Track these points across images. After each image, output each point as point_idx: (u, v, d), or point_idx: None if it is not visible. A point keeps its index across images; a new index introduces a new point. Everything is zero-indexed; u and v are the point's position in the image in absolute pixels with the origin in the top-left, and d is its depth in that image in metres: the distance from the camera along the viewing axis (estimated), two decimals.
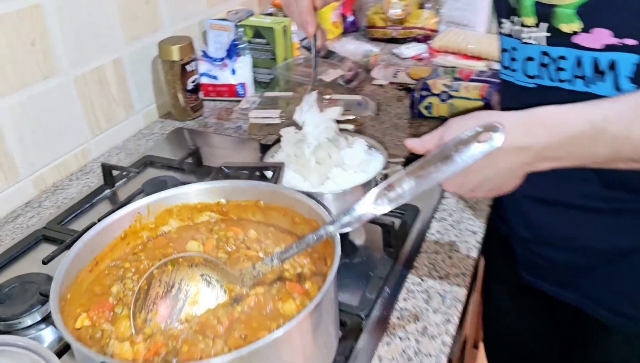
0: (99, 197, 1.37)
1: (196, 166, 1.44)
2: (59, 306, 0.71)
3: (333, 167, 1.09)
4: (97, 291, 0.82)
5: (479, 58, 1.96)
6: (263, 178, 1.04)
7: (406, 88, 1.84)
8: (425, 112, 1.64)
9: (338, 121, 1.56)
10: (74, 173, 1.51)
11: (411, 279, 1.05)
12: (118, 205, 1.18)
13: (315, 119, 1.15)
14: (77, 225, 1.25)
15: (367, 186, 1.08)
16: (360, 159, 1.12)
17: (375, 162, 1.14)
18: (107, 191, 1.40)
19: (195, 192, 0.94)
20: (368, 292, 1.01)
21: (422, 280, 1.05)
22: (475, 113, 0.81)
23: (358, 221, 0.77)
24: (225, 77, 1.81)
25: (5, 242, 1.25)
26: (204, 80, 1.81)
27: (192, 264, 0.82)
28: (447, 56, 2.01)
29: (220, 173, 0.99)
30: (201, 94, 1.75)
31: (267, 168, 1.00)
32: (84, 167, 1.53)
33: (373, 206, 0.77)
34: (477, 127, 0.75)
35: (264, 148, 1.45)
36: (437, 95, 1.61)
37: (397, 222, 1.18)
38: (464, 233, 1.18)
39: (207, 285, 0.81)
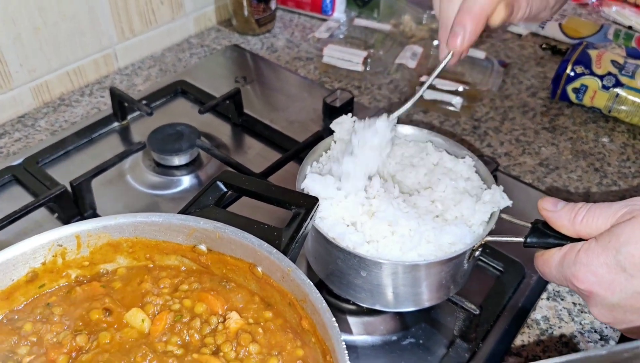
0: (102, 131, 1.04)
1: (235, 113, 1.06)
2: None
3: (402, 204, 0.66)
4: None
5: None
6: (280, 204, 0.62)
7: (554, 48, 1.29)
8: (572, 96, 1.12)
9: (442, 90, 1.10)
10: (89, 84, 1.18)
11: None
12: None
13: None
14: (58, 172, 0.94)
15: (456, 259, 0.65)
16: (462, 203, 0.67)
17: (479, 212, 0.68)
18: (116, 125, 1.06)
19: (156, 227, 0.57)
20: None
21: None
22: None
23: None
24: None
25: None
26: None
27: None
28: (625, 7, 1.40)
29: (214, 193, 0.60)
30: (274, 3, 1.32)
31: (287, 203, 0.59)
32: (104, 79, 1.19)
33: None
34: None
35: (329, 111, 1.04)
36: (600, 77, 1.08)
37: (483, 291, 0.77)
38: (587, 330, 0.75)
39: None
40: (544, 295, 0.79)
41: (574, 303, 0.79)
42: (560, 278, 0.59)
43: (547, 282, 0.81)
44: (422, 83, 1.11)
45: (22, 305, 0.56)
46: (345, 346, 0.45)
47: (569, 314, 0.78)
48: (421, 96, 1.10)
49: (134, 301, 0.57)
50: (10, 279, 0.54)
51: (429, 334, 0.75)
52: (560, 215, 0.60)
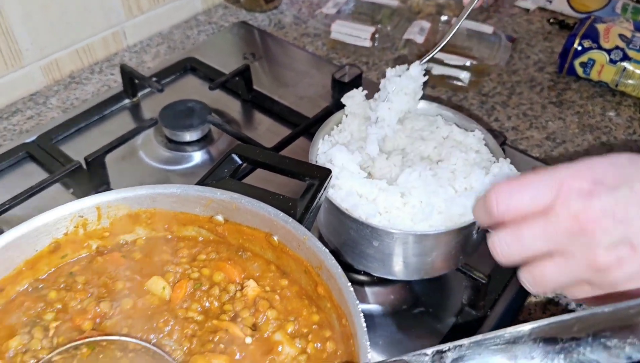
0: (113, 109, 1.05)
1: (244, 89, 1.07)
2: None
3: (417, 177, 0.67)
4: None
5: None
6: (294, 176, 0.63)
7: (561, 23, 1.29)
8: (579, 70, 1.13)
9: (450, 65, 1.10)
10: (99, 62, 1.18)
11: None
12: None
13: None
14: (71, 149, 0.96)
15: (465, 229, 0.66)
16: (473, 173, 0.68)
17: (488, 185, 0.68)
18: (127, 102, 1.07)
19: (174, 198, 0.59)
20: None
21: None
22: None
23: None
24: None
25: None
26: None
27: (125, 349, 0.49)
28: None
29: (229, 166, 0.61)
30: None
31: (301, 175, 0.61)
32: (113, 56, 1.20)
33: None
34: None
35: (338, 87, 1.04)
36: (607, 51, 1.09)
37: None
38: None
39: None
40: None
41: None
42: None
43: None
44: (431, 58, 1.12)
45: (47, 275, 0.58)
46: (360, 309, 0.47)
47: None
48: (429, 71, 1.11)
49: (154, 271, 0.59)
50: (34, 249, 0.56)
51: (438, 303, 0.77)
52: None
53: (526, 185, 0.48)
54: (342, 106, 0.78)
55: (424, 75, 0.76)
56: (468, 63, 1.08)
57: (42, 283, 0.58)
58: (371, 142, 0.70)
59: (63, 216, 0.56)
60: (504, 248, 0.49)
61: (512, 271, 0.79)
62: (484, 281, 0.72)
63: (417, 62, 0.76)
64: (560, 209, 0.45)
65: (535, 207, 0.47)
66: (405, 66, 0.76)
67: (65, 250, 0.59)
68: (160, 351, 0.50)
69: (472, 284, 0.73)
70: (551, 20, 1.30)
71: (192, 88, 1.11)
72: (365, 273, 0.76)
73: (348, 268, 0.73)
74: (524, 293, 0.77)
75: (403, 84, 0.74)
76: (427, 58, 0.78)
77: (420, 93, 0.76)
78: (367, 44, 1.16)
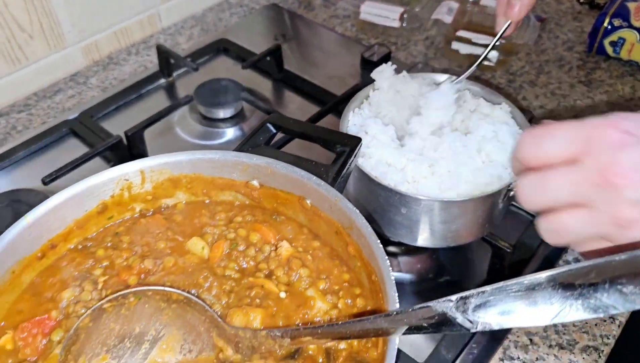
0: (149, 88, 1.09)
1: (275, 69, 1.10)
2: None
3: (446, 148, 0.69)
4: (43, 292, 0.57)
5: None
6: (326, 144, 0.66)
7: (592, 3, 1.29)
8: (609, 50, 1.12)
9: (478, 44, 1.11)
10: (135, 43, 1.23)
11: (513, 339, 0.70)
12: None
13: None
14: (110, 125, 1.00)
15: (492, 198, 0.68)
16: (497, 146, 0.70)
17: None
18: (162, 81, 1.11)
19: (213, 164, 0.62)
20: (444, 348, 0.68)
21: (530, 343, 0.70)
22: None
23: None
24: None
25: (34, 125, 1.04)
26: None
27: (169, 300, 0.53)
28: None
29: (264, 134, 0.65)
30: None
31: (333, 142, 0.64)
32: (149, 38, 1.24)
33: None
34: None
35: (367, 65, 1.07)
36: (638, 29, 1.08)
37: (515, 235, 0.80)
38: None
39: (186, 333, 0.53)
40: None
41: None
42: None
43: None
44: (459, 38, 1.13)
45: (94, 234, 0.62)
46: (389, 264, 0.50)
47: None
48: (457, 50, 1.13)
49: (194, 232, 0.63)
50: (83, 209, 0.60)
51: (463, 272, 0.79)
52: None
53: (556, 133, 0.46)
54: (372, 82, 0.81)
55: (455, 92, 0.78)
56: (497, 41, 1.09)
57: (90, 241, 0.62)
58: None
59: (110, 178, 0.60)
60: (529, 192, 0.48)
61: (538, 242, 0.81)
62: (508, 250, 0.74)
63: (449, 80, 0.79)
64: (588, 160, 0.44)
65: (564, 155, 0.45)
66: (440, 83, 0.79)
67: (111, 211, 0.63)
68: (201, 302, 0.53)
69: (497, 253, 0.75)
70: (581, 0, 1.29)
71: (224, 68, 1.14)
72: (393, 243, 0.78)
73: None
74: (549, 264, 0.79)
75: (434, 99, 0.76)
76: (462, 78, 0.79)
77: (453, 110, 0.76)
78: (396, 24, 1.17)
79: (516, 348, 0.69)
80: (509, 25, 0.79)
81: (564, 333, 0.71)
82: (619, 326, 0.72)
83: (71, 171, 0.88)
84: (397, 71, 0.80)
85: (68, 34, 1.11)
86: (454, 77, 0.80)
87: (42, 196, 0.81)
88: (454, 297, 0.42)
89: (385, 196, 0.67)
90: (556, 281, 0.39)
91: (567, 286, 0.39)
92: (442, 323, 0.43)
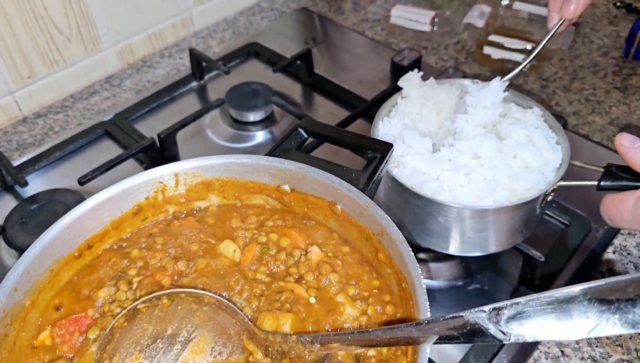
0: (182, 90, 1.11)
1: (305, 73, 1.10)
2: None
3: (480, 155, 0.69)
4: (80, 290, 0.59)
5: None
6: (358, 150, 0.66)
7: (629, 7, 1.26)
8: None
9: (510, 49, 1.10)
10: (168, 47, 1.25)
11: (544, 350, 0.69)
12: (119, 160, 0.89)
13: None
14: (144, 127, 1.02)
15: (530, 204, 0.68)
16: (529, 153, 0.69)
17: (550, 159, 0.70)
18: (194, 84, 1.13)
19: (245, 168, 0.63)
20: (473, 357, 0.68)
21: (562, 355, 0.69)
22: None
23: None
24: None
25: (70, 126, 1.06)
26: None
27: (201, 302, 0.54)
28: None
29: (295, 139, 0.65)
30: None
31: (364, 148, 0.64)
32: (181, 41, 1.26)
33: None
34: None
35: (397, 70, 1.06)
36: None
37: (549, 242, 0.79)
38: None
39: (217, 335, 0.54)
40: (610, 249, 0.81)
41: None
42: (632, 221, 0.59)
43: (614, 236, 0.82)
44: (491, 42, 1.12)
45: (129, 235, 0.64)
46: (420, 271, 0.50)
47: (636, 268, 0.79)
48: (489, 55, 1.12)
49: (226, 235, 0.63)
50: (119, 211, 0.62)
51: (494, 281, 0.78)
52: (637, 153, 0.58)
53: None
54: (401, 89, 0.81)
55: (504, 90, 0.76)
56: (529, 47, 1.08)
57: (125, 242, 0.63)
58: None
59: (145, 181, 0.62)
60: None
61: (571, 254, 0.79)
62: (541, 259, 0.73)
63: (498, 77, 0.76)
64: None
65: None
66: (488, 82, 0.77)
67: (146, 213, 0.64)
68: (233, 306, 0.54)
69: (528, 263, 0.74)
70: (618, 4, 1.27)
71: (255, 72, 1.16)
72: (422, 249, 0.78)
73: None
74: (582, 275, 0.78)
75: (482, 97, 0.74)
76: (512, 75, 0.77)
77: (501, 108, 0.75)
78: (427, 28, 1.17)
79: (547, 359, 0.68)
80: (562, 22, 0.74)
81: (597, 346, 0.69)
82: None
83: (106, 171, 0.90)
84: (424, 78, 0.80)
85: (104, 37, 1.14)
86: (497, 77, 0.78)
87: (79, 196, 0.84)
88: (486, 308, 0.42)
89: (421, 205, 0.67)
90: (593, 295, 0.39)
91: (604, 300, 0.39)
92: (474, 334, 0.42)
